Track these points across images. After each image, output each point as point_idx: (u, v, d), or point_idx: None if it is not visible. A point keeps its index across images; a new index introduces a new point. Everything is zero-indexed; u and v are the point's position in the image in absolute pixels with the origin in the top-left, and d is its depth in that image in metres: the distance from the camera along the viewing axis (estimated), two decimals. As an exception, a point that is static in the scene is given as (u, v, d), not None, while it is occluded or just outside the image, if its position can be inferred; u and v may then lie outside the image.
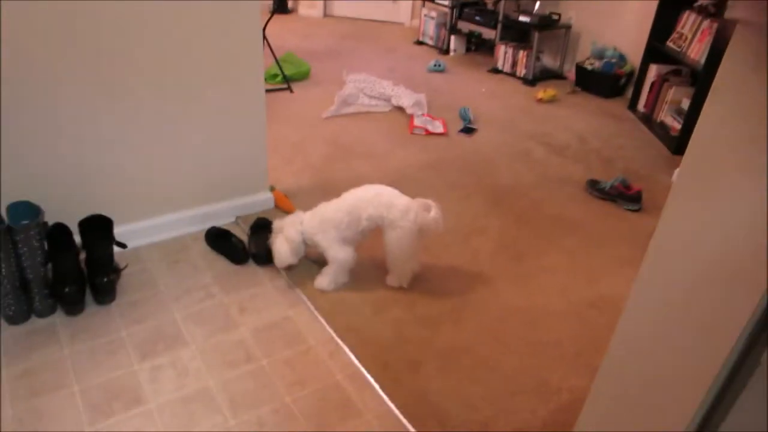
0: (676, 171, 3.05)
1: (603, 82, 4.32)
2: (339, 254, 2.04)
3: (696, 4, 3.66)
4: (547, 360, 1.85)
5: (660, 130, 3.71)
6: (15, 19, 1.72)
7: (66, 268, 1.87)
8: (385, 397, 1.67)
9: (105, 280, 1.93)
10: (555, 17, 4.58)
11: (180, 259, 2.21)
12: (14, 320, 1.84)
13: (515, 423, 1.62)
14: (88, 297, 1.96)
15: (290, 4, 6.34)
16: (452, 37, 5.25)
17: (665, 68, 3.90)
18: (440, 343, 1.89)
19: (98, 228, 1.94)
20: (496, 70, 4.86)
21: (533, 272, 2.27)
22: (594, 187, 2.89)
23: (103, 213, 2.00)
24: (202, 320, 1.92)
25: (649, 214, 2.75)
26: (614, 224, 2.65)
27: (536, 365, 1.82)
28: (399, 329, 1.93)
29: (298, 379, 1.72)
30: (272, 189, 2.59)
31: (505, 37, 4.85)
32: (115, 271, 2.00)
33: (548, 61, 4.90)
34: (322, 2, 6.22)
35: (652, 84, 3.93)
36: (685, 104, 3.60)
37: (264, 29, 3.53)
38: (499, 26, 4.82)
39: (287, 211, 2.48)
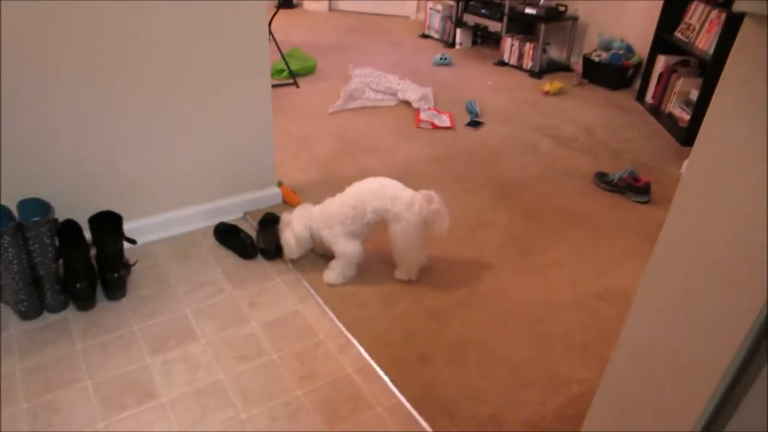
0: (685, 162, 3.03)
1: (610, 73, 4.30)
2: (346, 249, 2.04)
3: (704, -6, 3.63)
4: (555, 352, 1.85)
5: (668, 122, 3.69)
6: (22, 17, 1.73)
7: (77, 264, 1.88)
8: (395, 389, 1.68)
9: (115, 275, 1.94)
10: (561, 9, 4.56)
11: (190, 255, 2.23)
12: (27, 316, 1.86)
13: (525, 415, 1.62)
14: (100, 293, 1.98)
15: (295, -1, 6.34)
16: (458, 30, 5.23)
17: (673, 59, 3.88)
18: (449, 336, 1.89)
19: (108, 224, 1.95)
20: (502, 63, 4.84)
21: (541, 265, 2.27)
22: (602, 179, 2.88)
23: (113, 209, 2.01)
24: (212, 315, 1.94)
25: (658, 206, 2.74)
26: (623, 216, 2.65)
27: (545, 358, 1.83)
28: (408, 322, 1.94)
29: (308, 373, 1.73)
30: (280, 184, 2.60)
31: (511, 30, 4.83)
32: (126, 266, 2.02)
33: (555, 53, 4.88)
34: (327, -4, 6.22)
35: (660, 75, 3.91)
36: (694, 95, 3.58)
37: (270, 24, 3.53)
38: (505, 19, 4.80)
39: (295, 207, 2.49)
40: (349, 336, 1.87)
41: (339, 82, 4.06)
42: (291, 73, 4.05)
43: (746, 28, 0.75)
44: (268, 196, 2.53)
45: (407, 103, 3.79)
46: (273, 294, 2.05)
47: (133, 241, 2.03)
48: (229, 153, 2.34)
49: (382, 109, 3.76)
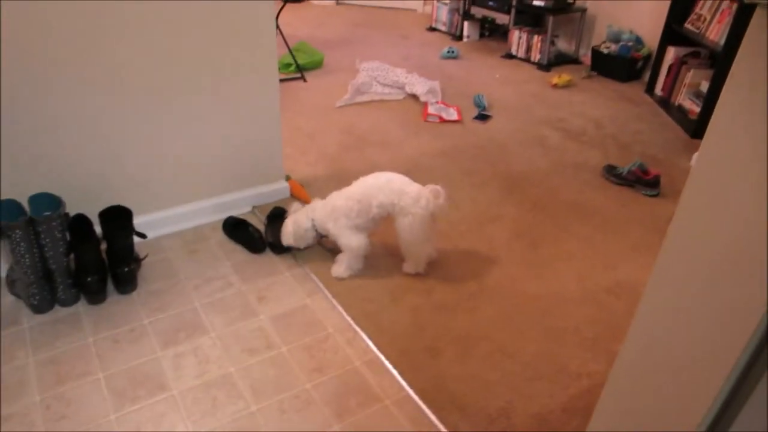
0: (695, 155, 3.01)
1: (619, 65, 4.27)
2: (352, 241, 2.05)
3: (715, -15, 3.59)
4: (564, 346, 1.85)
5: (678, 114, 3.66)
6: (37, 13, 1.74)
7: (88, 258, 1.90)
8: (403, 383, 1.69)
9: (126, 269, 1.96)
10: (570, 0, 4.52)
11: (199, 249, 2.24)
12: (39, 309, 1.88)
13: (534, 408, 1.63)
14: (110, 286, 1.99)
15: (302, -7, 6.33)
16: (465, 23, 5.21)
17: (683, 50, 3.84)
18: (457, 329, 1.90)
19: (118, 219, 1.97)
20: (510, 56, 4.82)
21: (549, 259, 2.27)
22: (611, 172, 2.87)
23: (123, 204, 2.03)
24: (221, 308, 1.95)
25: (667, 199, 2.73)
26: (632, 210, 2.64)
27: (554, 351, 1.83)
28: (416, 316, 1.94)
29: (317, 366, 1.74)
30: (288, 178, 2.61)
31: (519, 22, 4.80)
32: (136, 260, 2.03)
33: (563, 45, 4.85)
34: (334, -10, 6.20)
35: (670, 67, 3.87)
36: (704, 87, 3.55)
37: (277, 18, 3.53)
38: (513, 11, 4.77)
39: (303, 201, 2.50)
40: (358, 329, 1.88)
41: (346, 76, 4.05)
42: (298, 68, 4.05)
43: (757, 19, 0.75)
44: (277, 190, 2.54)
45: (415, 96, 3.79)
46: (281, 288, 2.06)
47: (143, 236, 2.04)
48: (237, 148, 2.35)
49: (390, 102, 3.75)
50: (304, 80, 4.02)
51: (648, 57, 4.25)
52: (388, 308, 1.97)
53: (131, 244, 1.99)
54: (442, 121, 3.47)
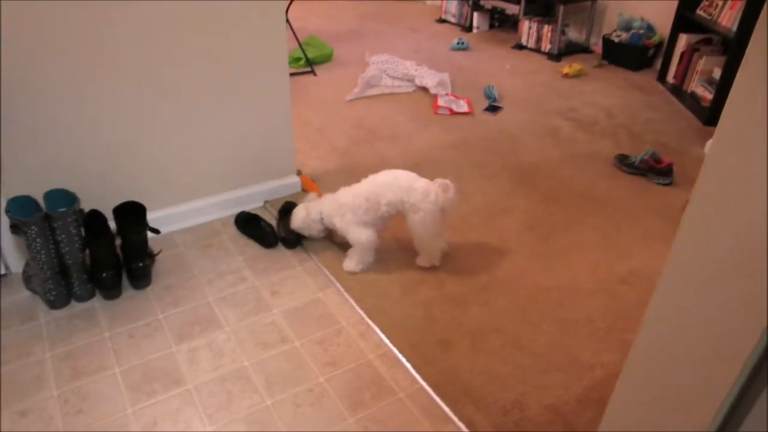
0: (709, 142, 2.98)
1: (631, 54, 4.22)
2: (360, 236, 2.05)
3: (728, -30, 3.54)
4: (577, 337, 1.84)
5: (690, 101, 3.62)
6: (51, 10, 1.75)
7: (102, 253, 1.92)
8: (417, 375, 1.69)
9: (140, 265, 1.98)
10: (580, -11, 4.48)
11: (212, 244, 2.25)
12: (55, 305, 1.91)
13: (548, 399, 1.63)
14: (125, 282, 2.01)
15: (310, -14, 6.31)
16: (475, 14, 5.17)
17: (695, 37, 3.79)
18: (470, 322, 1.90)
19: (132, 214, 1.99)
20: (520, 46, 4.78)
21: (561, 250, 2.26)
22: (623, 162, 2.85)
23: (137, 200, 2.04)
24: (235, 303, 1.97)
25: (680, 188, 2.70)
26: (645, 199, 2.61)
27: (567, 343, 1.82)
28: (428, 309, 1.95)
29: (330, 360, 1.75)
30: (299, 173, 2.61)
31: (528, 12, 4.76)
32: (150, 256, 2.05)
33: (574, 34, 4.80)
34: (342, -17, 6.18)
35: (682, 54, 3.83)
36: (717, 74, 3.50)
37: (286, 12, 3.53)
38: (523, 1, 4.73)
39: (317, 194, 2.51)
40: (370, 323, 1.88)
41: (356, 69, 4.05)
42: (308, 61, 4.05)
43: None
44: (288, 185, 2.54)
45: (425, 89, 3.77)
46: (294, 282, 2.07)
47: (156, 231, 2.06)
48: (248, 143, 2.35)
49: (400, 95, 3.74)
50: (314, 74, 4.02)
51: (659, 45, 4.20)
52: (400, 302, 1.98)
53: (145, 240, 2.01)
54: (453, 113, 3.46)
